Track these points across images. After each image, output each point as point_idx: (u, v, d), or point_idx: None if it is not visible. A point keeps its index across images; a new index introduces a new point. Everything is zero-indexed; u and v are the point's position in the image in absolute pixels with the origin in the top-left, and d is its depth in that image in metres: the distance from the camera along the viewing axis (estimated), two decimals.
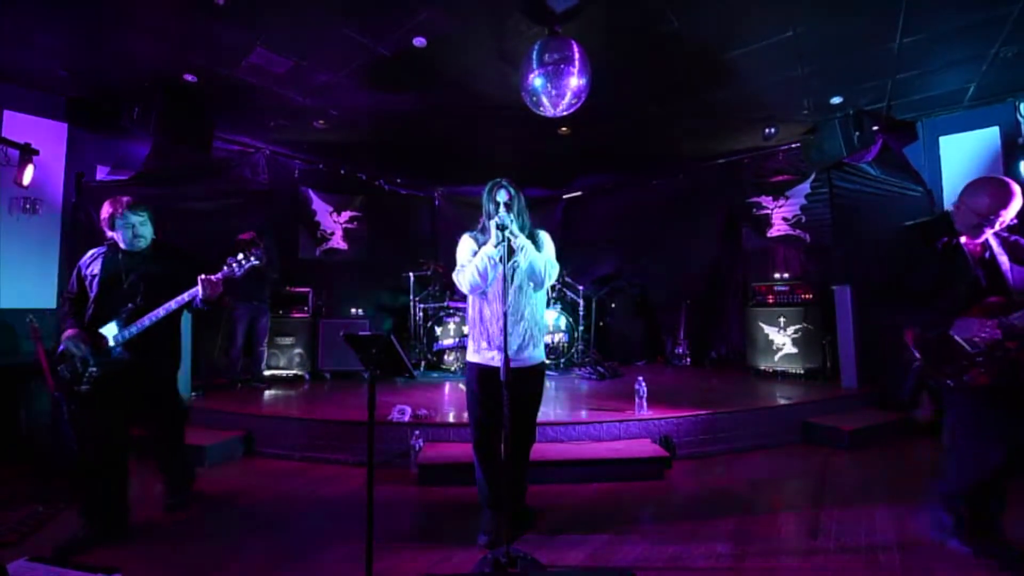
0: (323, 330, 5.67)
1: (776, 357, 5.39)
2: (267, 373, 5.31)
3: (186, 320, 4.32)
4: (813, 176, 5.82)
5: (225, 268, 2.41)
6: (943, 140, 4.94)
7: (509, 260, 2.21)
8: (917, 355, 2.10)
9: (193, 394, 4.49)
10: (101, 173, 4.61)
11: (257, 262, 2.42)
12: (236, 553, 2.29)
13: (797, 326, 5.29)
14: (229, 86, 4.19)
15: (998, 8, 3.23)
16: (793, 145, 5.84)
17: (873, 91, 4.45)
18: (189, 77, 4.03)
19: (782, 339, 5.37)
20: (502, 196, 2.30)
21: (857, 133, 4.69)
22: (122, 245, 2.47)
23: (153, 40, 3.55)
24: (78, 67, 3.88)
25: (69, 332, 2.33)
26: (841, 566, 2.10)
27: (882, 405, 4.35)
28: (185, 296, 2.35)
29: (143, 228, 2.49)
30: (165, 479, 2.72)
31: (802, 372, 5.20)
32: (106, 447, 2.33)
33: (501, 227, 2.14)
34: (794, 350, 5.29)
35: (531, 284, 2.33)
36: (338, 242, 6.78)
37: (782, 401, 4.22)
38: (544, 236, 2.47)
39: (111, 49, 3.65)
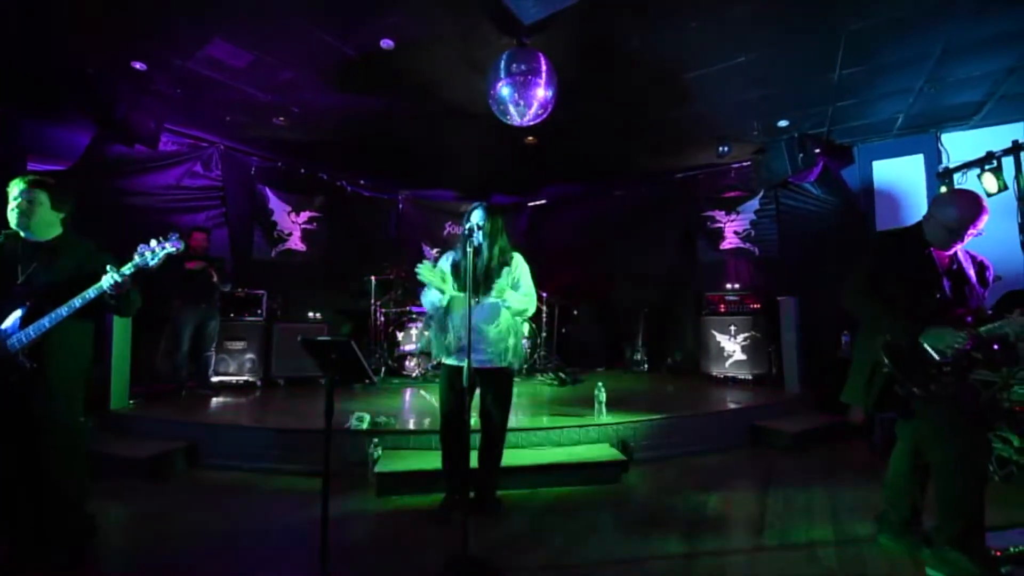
0: (277, 334, 5.45)
1: (727, 363, 5.65)
2: (215, 379, 5.04)
3: (125, 321, 4.09)
4: (762, 193, 6.18)
5: (136, 258, 2.08)
6: (876, 164, 5.38)
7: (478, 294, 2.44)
8: (887, 362, 2.08)
9: (131, 402, 4.20)
10: (33, 161, 4.26)
11: (172, 249, 2.13)
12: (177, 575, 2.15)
13: (746, 334, 5.57)
14: (182, 77, 3.99)
15: (922, 47, 3.58)
16: (744, 163, 6.19)
17: (816, 116, 4.79)
18: (138, 65, 3.81)
19: (732, 346, 5.64)
20: (475, 216, 2.49)
21: (801, 155, 5.04)
22: (15, 228, 2.15)
23: (99, 22, 3.33)
24: (12, 47, 3.58)
25: None
26: (785, 563, 2.23)
27: (821, 408, 4.65)
28: (90, 292, 2.06)
29: (40, 210, 2.13)
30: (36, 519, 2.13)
31: (750, 377, 5.47)
32: (11, 463, 2.07)
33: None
34: (743, 357, 5.56)
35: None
36: (296, 243, 6.55)
37: (732, 405, 4.42)
38: (518, 260, 2.61)
39: (52, 29, 3.39)
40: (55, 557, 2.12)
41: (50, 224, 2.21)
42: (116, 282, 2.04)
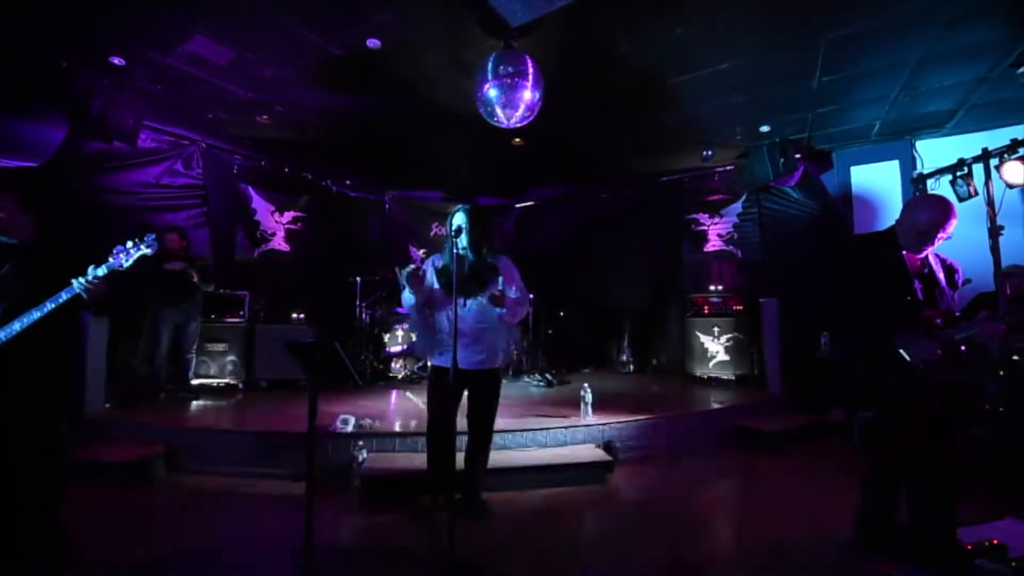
0: (260, 336, 5.35)
1: (711, 364, 5.73)
2: (195, 382, 4.93)
3: (102, 322, 3.99)
4: (744, 196, 6.29)
5: (111, 259, 2.05)
6: (854, 169, 5.52)
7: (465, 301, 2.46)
8: (861, 363, 2.16)
9: (107, 405, 4.09)
10: (5, 158, 4.12)
11: (148, 250, 2.10)
12: None
13: (729, 335, 5.66)
14: (162, 73, 3.90)
15: (898, 57, 3.69)
16: (728, 167, 6.29)
17: (796, 122, 4.90)
18: (116, 60, 3.72)
19: (716, 347, 5.72)
20: (458, 218, 2.47)
21: (782, 159, 5.14)
22: None
23: (75, 15, 3.24)
24: None
25: None
26: (763, 559, 2.27)
27: (802, 408, 4.75)
28: (63, 295, 2.00)
29: (6, 214, 2.09)
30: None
31: (733, 378, 5.55)
32: None
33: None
34: (726, 357, 5.65)
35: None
36: (279, 243, 6.45)
37: (715, 405, 4.49)
38: (506, 262, 2.59)
39: (25, 21, 3.29)
40: (26, 570, 2.05)
41: (21, 226, 2.14)
42: (87, 285, 2.00)
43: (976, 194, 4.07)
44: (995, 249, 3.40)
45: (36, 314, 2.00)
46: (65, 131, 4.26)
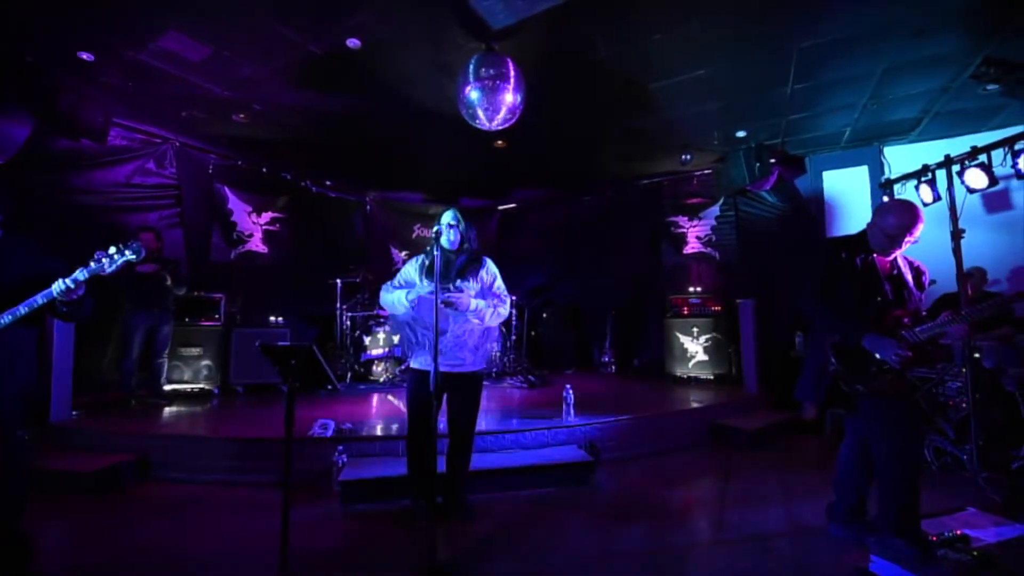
0: (236, 340, 5.23)
1: (690, 364, 5.83)
2: (168, 388, 4.79)
3: (69, 326, 3.84)
4: (722, 200, 6.44)
5: (92, 264, 1.95)
6: (826, 174, 5.70)
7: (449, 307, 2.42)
8: (834, 361, 2.23)
9: (74, 413, 3.94)
10: None
11: (133, 256, 2.00)
12: None
13: (708, 335, 5.77)
14: (133, 69, 3.79)
15: (866, 66, 3.83)
16: (706, 171, 6.43)
17: (771, 128, 5.03)
18: (85, 55, 3.60)
19: (695, 347, 5.83)
20: (445, 218, 2.48)
21: (758, 164, 5.27)
22: None
23: (40, 8, 3.12)
24: None
25: None
26: (742, 555, 2.31)
27: (777, 406, 4.86)
28: (38, 298, 1.91)
29: None
30: None
31: (712, 377, 5.66)
32: None
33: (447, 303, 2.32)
34: (705, 357, 5.75)
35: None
36: (257, 244, 6.32)
37: (694, 405, 4.56)
38: (489, 265, 2.60)
39: None
40: None
41: None
42: (68, 288, 1.90)
43: (939, 198, 4.25)
44: (957, 251, 3.54)
45: (7, 318, 1.91)
46: (30, 127, 4.10)
